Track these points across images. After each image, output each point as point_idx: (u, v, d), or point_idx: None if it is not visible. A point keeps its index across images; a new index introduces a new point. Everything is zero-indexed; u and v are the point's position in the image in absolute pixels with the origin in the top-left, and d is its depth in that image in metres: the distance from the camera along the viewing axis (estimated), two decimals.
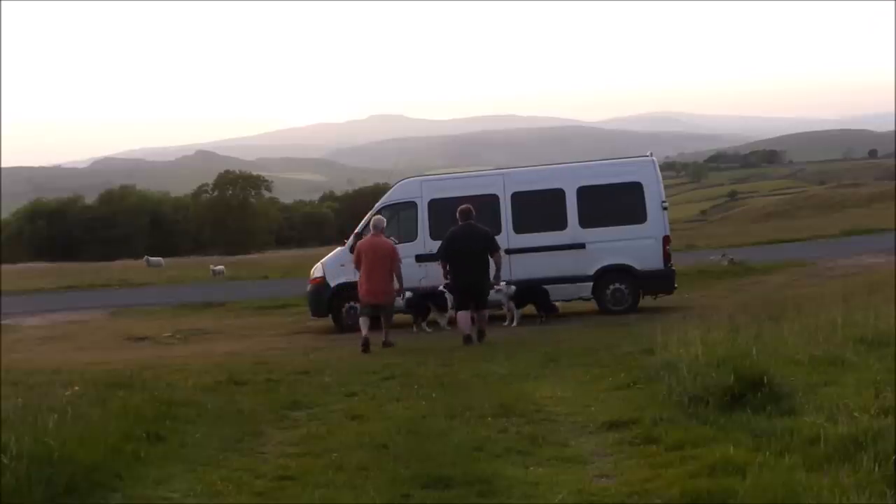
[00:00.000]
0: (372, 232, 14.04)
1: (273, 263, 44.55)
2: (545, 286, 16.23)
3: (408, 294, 15.48)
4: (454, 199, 16.68)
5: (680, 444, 6.21)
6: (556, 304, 16.52)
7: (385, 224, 14.44)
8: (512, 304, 15.88)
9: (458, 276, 13.81)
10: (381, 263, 13.63)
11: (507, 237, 16.61)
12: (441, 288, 15.52)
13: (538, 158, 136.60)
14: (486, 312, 14.01)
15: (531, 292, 16.15)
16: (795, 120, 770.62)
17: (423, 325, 16.09)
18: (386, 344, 13.58)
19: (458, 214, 14.02)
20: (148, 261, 44.37)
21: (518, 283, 15.98)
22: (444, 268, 14.04)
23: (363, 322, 13.67)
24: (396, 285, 13.97)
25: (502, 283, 15.17)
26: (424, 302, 16.17)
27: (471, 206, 14.07)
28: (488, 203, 16.71)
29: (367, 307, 13.83)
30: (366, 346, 13.22)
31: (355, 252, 14.20)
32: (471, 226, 13.88)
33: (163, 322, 20.52)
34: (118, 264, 46.99)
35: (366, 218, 17.36)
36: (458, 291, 14.01)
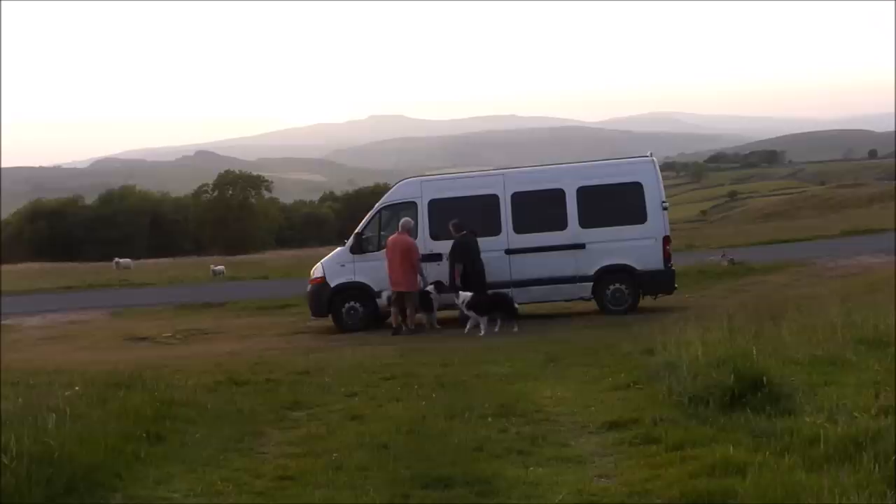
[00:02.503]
0: (398, 231, 16.01)
1: (273, 263, 44.60)
2: (509, 293, 15.80)
3: (387, 293, 16.24)
4: (454, 199, 16.80)
5: (680, 444, 6.21)
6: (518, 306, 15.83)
7: (412, 225, 16.24)
8: (471, 312, 15.36)
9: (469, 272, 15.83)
10: (401, 257, 15.72)
11: (507, 237, 16.62)
12: (427, 288, 15.75)
13: (538, 158, 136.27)
14: None
15: (494, 302, 15.53)
16: (795, 120, 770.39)
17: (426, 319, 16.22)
18: (408, 329, 15.64)
19: (452, 228, 15.96)
20: (117, 263, 45.33)
21: (483, 292, 15.66)
22: (456, 270, 15.76)
23: (393, 310, 15.99)
24: (420, 279, 16.04)
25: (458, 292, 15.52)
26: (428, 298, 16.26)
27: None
28: (488, 203, 16.72)
29: (394, 294, 15.87)
30: (397, 331, 15.69)
31: (385, 248, 16.13)
32: (467, 235, 15.94)
33: (163, 322, 20.51)
34: (127, 263, 47.06)
35: (366, 218, 17.37)
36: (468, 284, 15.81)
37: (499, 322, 15.33)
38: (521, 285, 16.47)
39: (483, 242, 16.24)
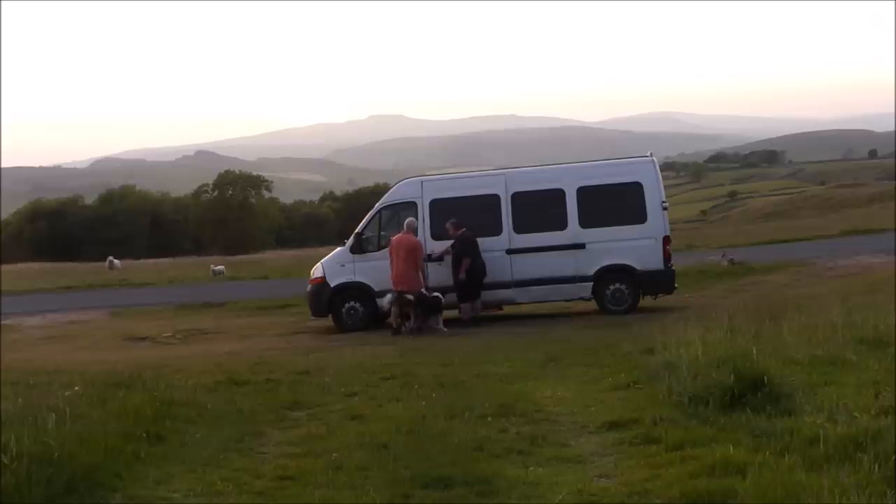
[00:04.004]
0: (403, 230, 16.07)
1: (273, 263, 44.57)
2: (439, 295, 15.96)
3: (388, 297, 15.98)
4: (454, 199, 16.82)
5: (680, 444, 6.22)
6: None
7: (416, 225, 16.33)
8: (394, 310, 15.68)
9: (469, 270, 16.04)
10: (405, 256, 15.74)
11: (507, 237, 16.64)
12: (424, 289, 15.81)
13: (538, 158, 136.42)
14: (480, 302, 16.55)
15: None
16: (795, 120, 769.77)
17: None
18: (414, 330, 15.50)
19: (451, 227, 16.14)
20: (111, 263, 45.55)
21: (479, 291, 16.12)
22: (464, 262, 15.89)
23: (393, 310, 15.78)
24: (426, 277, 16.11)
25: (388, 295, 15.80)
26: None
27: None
28: (489, 203, 16.74)
29: (396, 293, 15.73)
30: (397, 331, 15.56)
31: (388, 247, 16.13)
32: (467, 232, 16.10)
33: (163, 322, 20.50)
34: (118, 264, 47.06)
35: (366, 218, 17.38)
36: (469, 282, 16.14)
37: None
38: (522, 285, 16.52)
39: (484, 242, 16.28)
